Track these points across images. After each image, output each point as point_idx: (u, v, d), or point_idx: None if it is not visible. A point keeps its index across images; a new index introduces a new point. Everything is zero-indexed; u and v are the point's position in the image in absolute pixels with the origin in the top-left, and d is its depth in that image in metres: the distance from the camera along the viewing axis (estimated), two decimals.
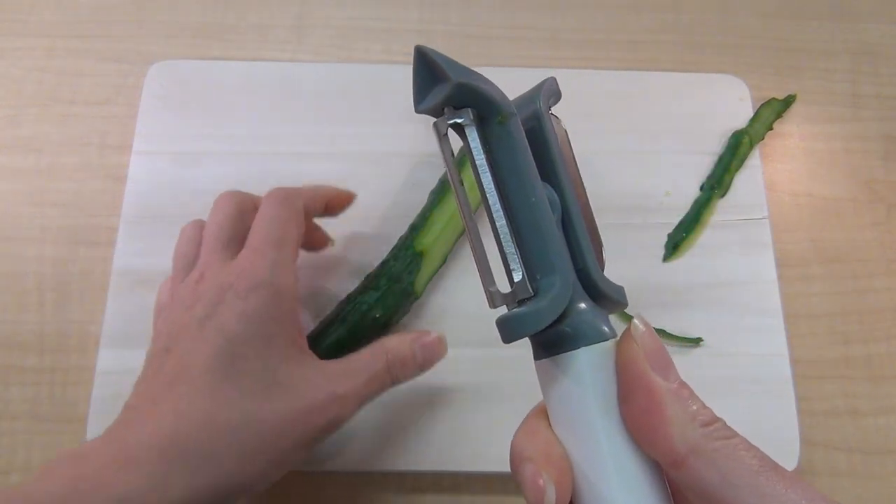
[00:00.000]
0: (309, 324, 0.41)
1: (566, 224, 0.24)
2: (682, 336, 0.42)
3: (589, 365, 0.22)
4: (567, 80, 0.50)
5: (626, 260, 0.44)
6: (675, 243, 0.45)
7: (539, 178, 0.23)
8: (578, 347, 0.22)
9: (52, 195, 0.45)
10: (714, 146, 0.48)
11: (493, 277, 0.23)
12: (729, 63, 0.52)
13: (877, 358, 0.44)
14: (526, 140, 0.24)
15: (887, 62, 0.52)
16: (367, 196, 0.44)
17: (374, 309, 0.39)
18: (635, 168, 0.47)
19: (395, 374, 0.34)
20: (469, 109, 0.23)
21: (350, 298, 0.40)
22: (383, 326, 0.40)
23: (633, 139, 0.48)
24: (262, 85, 0.48)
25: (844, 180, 0.49)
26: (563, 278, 0.22)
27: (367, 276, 0.41)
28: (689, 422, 0.21)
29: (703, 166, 0.47)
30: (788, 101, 0.50)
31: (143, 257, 0.43)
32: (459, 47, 0.51)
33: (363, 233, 0.44)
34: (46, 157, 0.46)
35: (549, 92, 0.27)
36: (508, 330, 0.22)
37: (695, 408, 0.22)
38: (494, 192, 0.23)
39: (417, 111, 0.24)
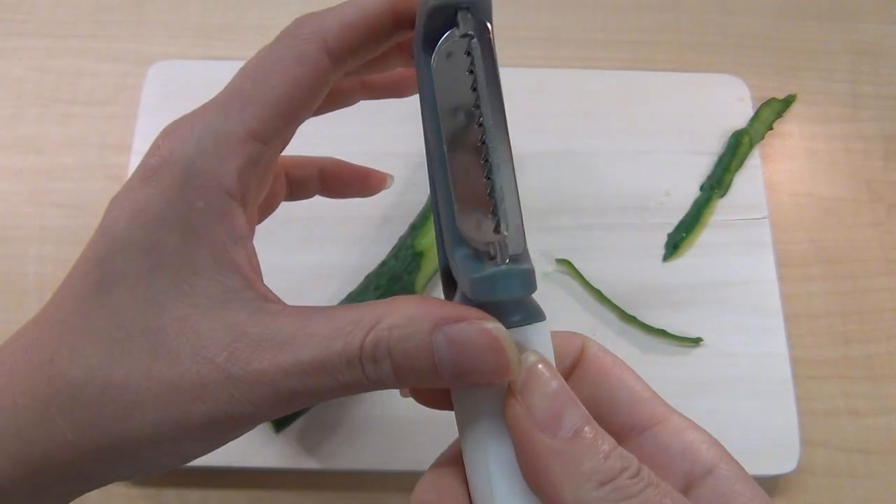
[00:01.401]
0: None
1: None
2: (682, 336, 0.42)
3: (540, 339, 0.21)
4: (567, 80, 0.51)
5: (626, 260, 0.44)
6: (675, 243, 0.45)
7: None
8: (537, 322, 0.21)
9: (52, 195, 0.45)
10: (714, 146, 0.48)
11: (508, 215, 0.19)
12: (729, 63, 0.52)
13: (877, 358, 0.44)
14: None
15: (887, 62, 0.52)
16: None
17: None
18: (635, 168, 0.47)
19: (377, 373, 0.19)
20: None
21: (350, 298, 0.40)
22: None
23: (633, 139, 0.48)
24: None
25: (844, 180, 0.49)
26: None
27: (368, 275, 0.41)
28: (582, 483, 0.18)
29: (703, 166, 0.47)
30: (788, 101, 0.50)
31: None
32: None
33: (363, 233, 0.44)
34: (46, 157, 0.46)
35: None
36: (496, 287, 0.19)
37: (590, 464, 0.18)
38: (500, 121, 0.20)
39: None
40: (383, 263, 0.41)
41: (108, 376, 0.20)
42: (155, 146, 0.21)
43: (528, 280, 0.19)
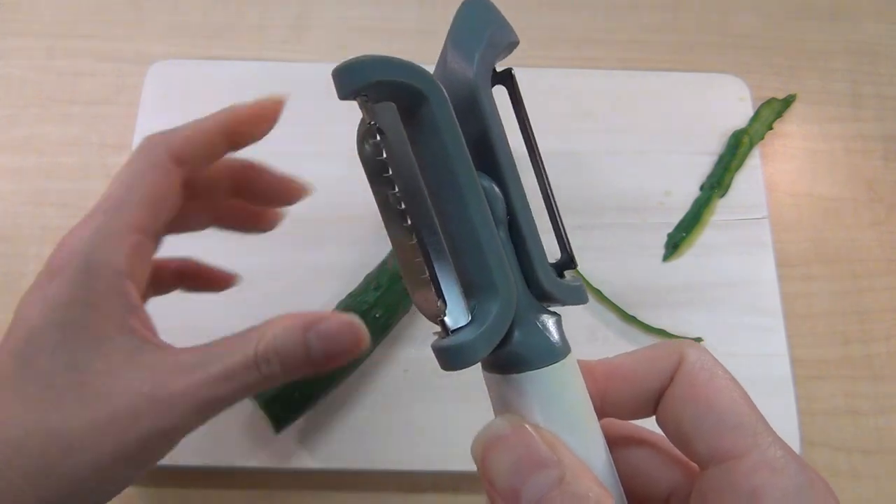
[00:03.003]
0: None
1: (512, 222, 0.20)
2: (682, 336, 0.42)
3: (536, 388, 0.20)
4: (567, 80, 0.51)
5: (626, 260, 0.44)
6: (675, 243, 0.45)
7: (474, 175, 0.19)
8: (524, 371, 0.20)
9: (52, 195, 0.45)
10: (714, 146, 0.48)
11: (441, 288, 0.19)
12: (729, 63, 0.52)
13: (877, 358, 0.44)
14: (456, 126, 0.19)
15: (887, 62, 0.52)
16: (368, 196, 0.44)
17: (374, 308, 0.39)
18: (635, 168, 0.47)
19: (269, 370, 0.25)
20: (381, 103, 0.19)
21: (351, 297, 0.40)
22: (384, 326, 0.40)
23: (633, 139, 0.48)
24: (262, 85, 0.48)
25: (844, 180, 0.49)
26: (505, 300, 0.19)
27: (367, 275, 0.41)
28: None
29: (703, 166, 0.47)
30: (788, 101, 0.50)
31: None
32: None
33: (363, 233, 0.44)
34: (46, 157, 0.46)
35: (493, 42, 0.21)
36: (445, 361, 0.19)
37: None
38: (423, 199, 0.19)
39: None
40: (383, 263, 0.41)
41: (47, 427, 0.23)
42: (55, 251, 0.26)
43: (460, 355, 0.18)
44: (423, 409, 0.40)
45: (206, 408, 0.25)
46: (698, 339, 0.42)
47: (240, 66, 0.48)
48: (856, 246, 0.47)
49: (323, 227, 0.44)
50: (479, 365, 0.21)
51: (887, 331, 0.45)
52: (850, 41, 0.53)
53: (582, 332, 0.43)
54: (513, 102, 0.22)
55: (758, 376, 0.42)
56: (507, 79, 0.22)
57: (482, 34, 0.21)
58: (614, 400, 0.23)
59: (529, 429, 0.19)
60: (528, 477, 0.18)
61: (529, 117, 0.22)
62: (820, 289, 0.46)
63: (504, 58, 0.22)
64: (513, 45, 0.22)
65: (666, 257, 0.45)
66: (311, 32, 0.51)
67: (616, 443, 0.23)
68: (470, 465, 0.26)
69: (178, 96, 0.47)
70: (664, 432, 0.22)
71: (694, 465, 0.22)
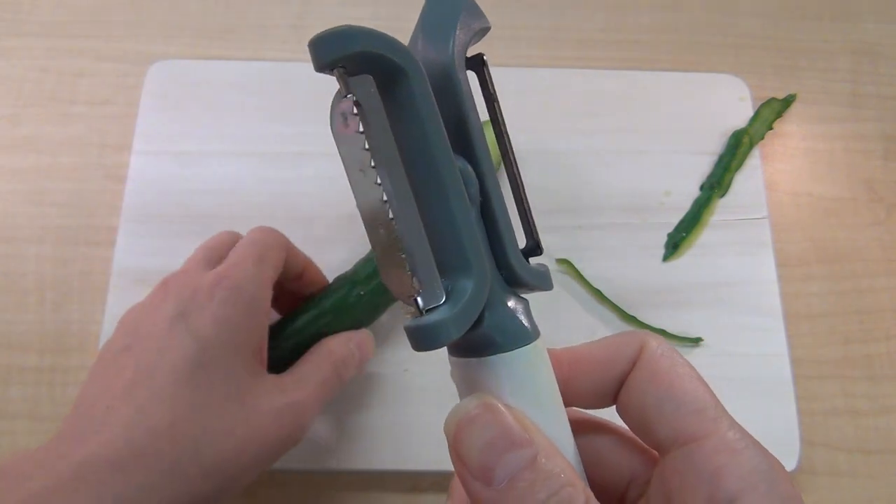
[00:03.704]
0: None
1: (484, 205, 0.20)
2: (682, 336, 0.42)
3: (507, 370, 0.20)
4: (567, 80, 0.51)
5: (626, 260, 0.44)
6: (675, 243, 0.45)
7: (451, 153, 0.19)
8: (495, 353, 0.20)
9: (52, 195, 0.45)
10: (714, 146, 0.48)
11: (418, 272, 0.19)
12: (729, 63, 0.52)
13: (877, 358, 0.44)
14: (433, 103, 0.19)
15: (887, 62, 0.52)
16: None
17: (358, 286, 0.38)
18: (635, 168, 0.47)
19: (341, 374, 0.35)
20: (361, 76, 0.19)
21: (338, 279, 0.39)
22: (368, 305, 0.39)
23: (633, 139, 0.48)
24: (262, 85, 0.48)
25: (844, 180, 0.49)
26: (479, 280, 0.19)
27: (357, 262, 0.40)
28: None
29: (703, 166, 0.47)
30: (788, 101, 0.50)
31: (142, 257, 0.43)
32: None
33: (363, 232, 0.44)
34: (46, 157, 0.46)
35: (466, 26, 0.21)
36: (418, 341, 0.19)
37: None
38: (400, 176, 0.19)
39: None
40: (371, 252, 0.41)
41: (218, 428, 0.29)
42: (224, 275, 0.32)
43: (434, 335, 0.18)
44: (423, 409, 0.40)
45: (317, 408, 0.33)
46: (698, 339, 0.42)
47: (240, 66, 0.48)
48: (856, 246, 0.47)
49: (323, 227, 0.44)
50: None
51: (887, 331, 0.45)
52: (850, 41, 0.53)
53: (582, 331, 0.43)
54: (483, 88, 0.22)
55: (758, 376, 0.42)
56: (479, 65, 0.21)
57: (455, 18, 0.20)
58: (577, 388, 0.23)
59: (503, 408, 0.19)
60: (501, 456, 0.19)
61: (502, 105, 0.22)
62: (820, 289, 0.46)
63: (476, 43, 0.21)
64: (484, 30, 0.21)
65: (666, 257, 0.45)
66: (311, 32, 0.51)
67: (578, 431, 0.23)
68: None
69: (178, 96, 0.47)
70: (624, 420, 0.22)
71: (654, 453, 0.22)
